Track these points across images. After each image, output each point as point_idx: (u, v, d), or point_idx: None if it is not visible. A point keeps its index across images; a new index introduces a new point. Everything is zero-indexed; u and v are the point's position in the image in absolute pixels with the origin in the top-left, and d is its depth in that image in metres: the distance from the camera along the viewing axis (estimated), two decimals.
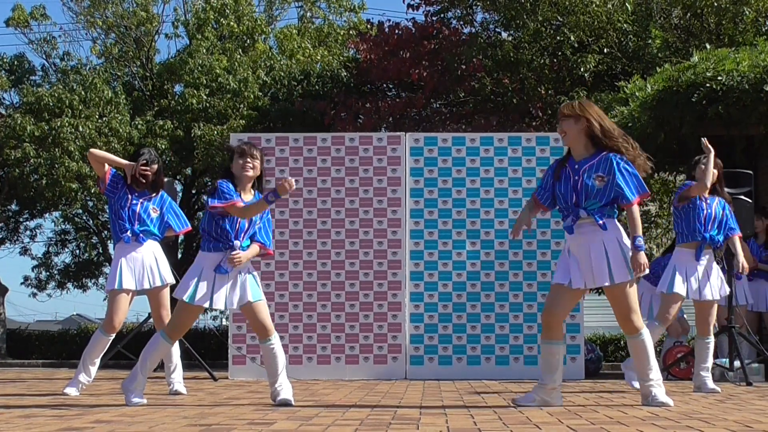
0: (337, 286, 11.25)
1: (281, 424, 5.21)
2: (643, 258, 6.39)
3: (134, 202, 8.17)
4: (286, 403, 6.66)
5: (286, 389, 6.77)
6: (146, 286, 8.12)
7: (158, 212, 8.31)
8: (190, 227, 8.66)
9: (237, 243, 6.79)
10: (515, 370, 10.99)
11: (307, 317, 11.23)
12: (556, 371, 6.58)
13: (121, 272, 7.99)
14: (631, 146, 6.62)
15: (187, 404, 6.84)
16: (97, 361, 8.19)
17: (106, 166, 8.00)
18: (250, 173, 6.90)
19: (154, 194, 8.24)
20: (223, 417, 5.68)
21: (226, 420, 5.48)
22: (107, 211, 8.01)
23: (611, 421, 5.40)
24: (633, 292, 6.53)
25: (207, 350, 18.50)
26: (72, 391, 7.98)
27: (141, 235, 8.09)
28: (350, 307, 11.24)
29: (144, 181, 8.13)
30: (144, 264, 8.09)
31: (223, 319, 27.63)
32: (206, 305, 6.77)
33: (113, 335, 8.12)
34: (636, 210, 6.49)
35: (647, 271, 6.49)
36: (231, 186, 6.79)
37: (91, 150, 8.20)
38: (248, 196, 6.90)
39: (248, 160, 6.88)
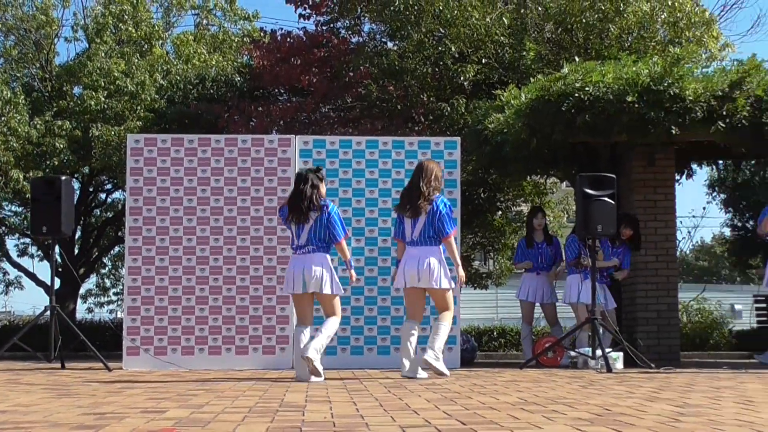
0: (228, 280, 11.18)
1: (173, 412, 5.16)
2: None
3: None
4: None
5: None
6: None
7: None
8: None
9: None
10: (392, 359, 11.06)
11: (199, 310, 11.13)
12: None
13: None
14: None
15: (82, 394, 6.72)
16: None
17: None
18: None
19: None
20: (116, 406, 5.60)
21: (120, 408, 5.40)
22: None
23: (484, 406, 5.48)
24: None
25: (102, 342, 18.15)
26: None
27: None
28: (240, 300, 11.18)
29: None
30: None
31: (119, 312, 27.19)
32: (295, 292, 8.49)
33: None
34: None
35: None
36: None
37: None
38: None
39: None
